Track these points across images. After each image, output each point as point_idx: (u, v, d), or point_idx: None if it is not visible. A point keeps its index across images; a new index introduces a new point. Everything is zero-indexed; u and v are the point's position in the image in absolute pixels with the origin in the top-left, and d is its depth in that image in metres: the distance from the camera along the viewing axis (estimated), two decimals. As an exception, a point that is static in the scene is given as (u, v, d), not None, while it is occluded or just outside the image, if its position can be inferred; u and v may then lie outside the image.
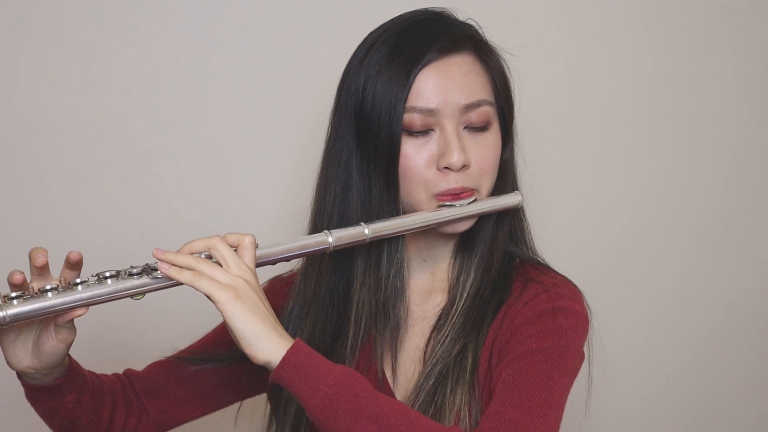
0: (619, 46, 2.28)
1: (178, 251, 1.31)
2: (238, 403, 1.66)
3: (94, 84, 1.94)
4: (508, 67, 1.52)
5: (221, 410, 1.65)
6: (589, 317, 1.48)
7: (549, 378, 1.36)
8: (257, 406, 1.68)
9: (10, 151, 1.93)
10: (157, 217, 1.99)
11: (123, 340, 1.91)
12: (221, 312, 1.26)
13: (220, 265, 1.30)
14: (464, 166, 1.42)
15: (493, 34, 1.53)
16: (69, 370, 1.40)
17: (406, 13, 1.51)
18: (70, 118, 1.94)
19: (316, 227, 1.51)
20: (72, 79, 1.93)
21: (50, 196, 1.95)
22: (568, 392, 1.42)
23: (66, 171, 1.95)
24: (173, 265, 1.29)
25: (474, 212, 1.45)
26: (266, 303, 1.30)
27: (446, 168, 1.42)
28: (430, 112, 1.42)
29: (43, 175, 1.94)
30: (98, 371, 1.52)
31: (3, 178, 1.93)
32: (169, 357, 1.59)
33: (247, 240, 1.33)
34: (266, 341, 1.26)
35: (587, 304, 1.49)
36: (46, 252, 1.29)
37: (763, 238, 2.45)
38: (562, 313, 1.42)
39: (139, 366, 1.60)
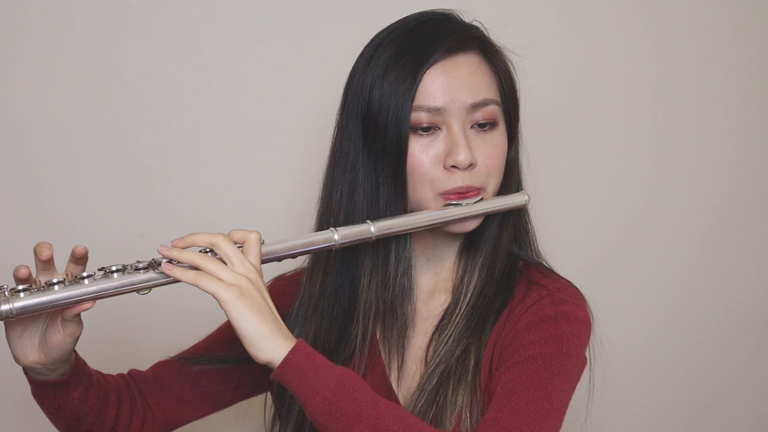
0: (623, 47, 2.28)
1: (181, 239, 1.32)
2: (242, 402, 1.66)
3: (96, 82, 1.93)
4: (514, 68, 1.52)
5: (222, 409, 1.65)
6: (592, 322, 1.49)
7: (548, 385, 1.36)
8: (261, 404, 1.68)
9: (9, 151, 1.92)
10: (158, 217, 1.98)
11: (127, 339, 1.90)
12: (225, 311, 1.27)
13: (225, 263, 1.30)
14: (471, 165, 1.43)
15: (498, 36, 1.54)
16: (75, 366, 1.40)
17: (411, 14, 1.51)
18: (70, 118, 1.93)
19: (321, 226, 1.51)
20: (73, 77, 1.93)
21: (50, 197, 1.94)
22: (569, 399, 1.42)
23: (66, 171, 1.94)
24: (178, 262, 1.30)
25: (480, 211, 1.46)
26: (270, 302, 1.31)
27: (453, 167, 1.42)
28: (437, 111, 1.42)
29: (43, 175, 1.93)
30: (103, 370, 1.52)
31: (2, 178, 1.92)
32: (173, 357, 1.60)
33: (253, 237, 1.33)
34: (269, 341, 1.26)
35: (590, 309, 1.49)
36: (51, 246, 1.30)
37: (765, 239, 2.45)
38: (565, 319, 1.43)
39: (144, 365, 1.60)
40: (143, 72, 1.96)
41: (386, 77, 1.44)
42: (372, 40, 1.50)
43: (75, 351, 1.39)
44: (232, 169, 2.03)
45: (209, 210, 2.01)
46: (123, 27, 1.95)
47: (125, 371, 1.58)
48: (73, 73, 1.93)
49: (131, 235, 1.97)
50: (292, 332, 1.46)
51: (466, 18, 1.53)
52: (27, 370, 1.38)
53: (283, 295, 1.59)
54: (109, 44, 1.94)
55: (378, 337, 1.52)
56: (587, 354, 1.49)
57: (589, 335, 1.48)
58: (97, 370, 1.49)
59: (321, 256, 1.52)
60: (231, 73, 2.01)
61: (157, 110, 1.98)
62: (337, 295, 1.51)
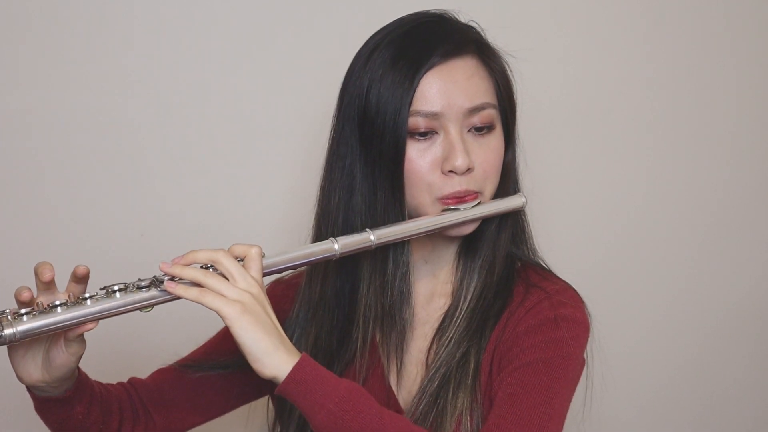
0: (620, 49, 2.27)
1: (182, 257, 1.32)
2: (245, 406, 1.67)
3: (96, 82, 1.92)
4: (510, 70, 1.52)
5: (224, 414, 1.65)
6: (590, 324, 1.49)
7: (549, 390, 1.37)
8: (262, 407, 1.68)
9: (9, 152, 1.91)
10: (158, 217, 1.98)
11: (127, 347, 1.90)
12: (229, 327, 1.27)
13: (227, 278, 1.30)
14: (468, 169, 1.43)
15: (494, 36, 1.53)
16: (78, 382, 1.40)
17: (406, 15, 1.50)
18: (70, 119, 1.92)
19: (320, 231, 1.51)
20: (73, 78, 1.92)
21: (50, 197, 1.94)
22: (569, 402, 1.43)
23: (66, 171, 1.94)
24: (180, 279, 1.30)
25: (478, 215, 1.46)
26: (273, 316, 1.30)
27: (451, 171, 1.42)
28: (434, 116, 1.42)
29: (43, 175, 1.93)
30: (102, 379, 1.53)
31: (2, 179, 1.92)
32: (172, 364, 1.60)
33: (254, 251, 1.32)
34: (273, 356, 1.26)
35: (588, 311, 1.49)
36: (52, 266, 1.29)
37: (764, 239, 2.45)
38: (564, 322, 1.43)
39: (143, 373, 1.60)
40: (143, 73, 1.95)
41: (383, 81, 1.42)
42: (367, 42, 1.49)
43: (78, 366, 1.39)
44: (232, 169, 2.02)
45: (209, 210, 2.01)
46: (123, 28, 1.94)
47: (125, 379, 1.59)
48: (73, 73, 1.92)
49: (131, 235, 1.97)
50: (293, 335, 1.48)
51: (462, 18, 1.51)
52: (30, 388, 1.38)
53: (282, 299, 1.59)
54: (109, 45, 1.93)
55: (377, 341, 1.52)
56: (585, 355, 1.50)
57: (587, 338, 1.48)
58: (98, 381, 1.49)
59: None
60: (229, 73, 2.00)
61: (157, 111, 1.97)
62: (337, 299, 1.51)
